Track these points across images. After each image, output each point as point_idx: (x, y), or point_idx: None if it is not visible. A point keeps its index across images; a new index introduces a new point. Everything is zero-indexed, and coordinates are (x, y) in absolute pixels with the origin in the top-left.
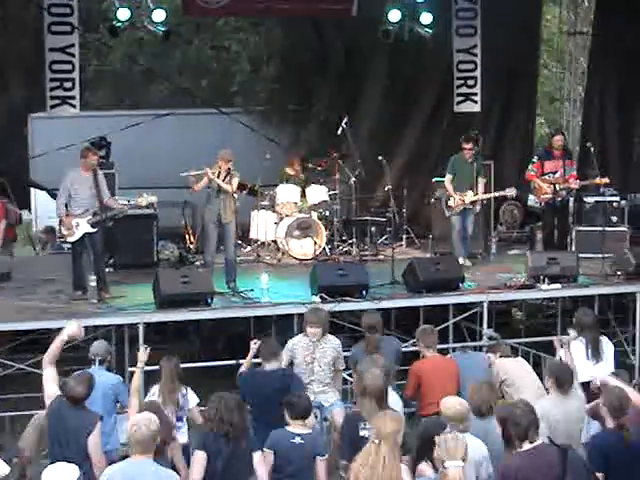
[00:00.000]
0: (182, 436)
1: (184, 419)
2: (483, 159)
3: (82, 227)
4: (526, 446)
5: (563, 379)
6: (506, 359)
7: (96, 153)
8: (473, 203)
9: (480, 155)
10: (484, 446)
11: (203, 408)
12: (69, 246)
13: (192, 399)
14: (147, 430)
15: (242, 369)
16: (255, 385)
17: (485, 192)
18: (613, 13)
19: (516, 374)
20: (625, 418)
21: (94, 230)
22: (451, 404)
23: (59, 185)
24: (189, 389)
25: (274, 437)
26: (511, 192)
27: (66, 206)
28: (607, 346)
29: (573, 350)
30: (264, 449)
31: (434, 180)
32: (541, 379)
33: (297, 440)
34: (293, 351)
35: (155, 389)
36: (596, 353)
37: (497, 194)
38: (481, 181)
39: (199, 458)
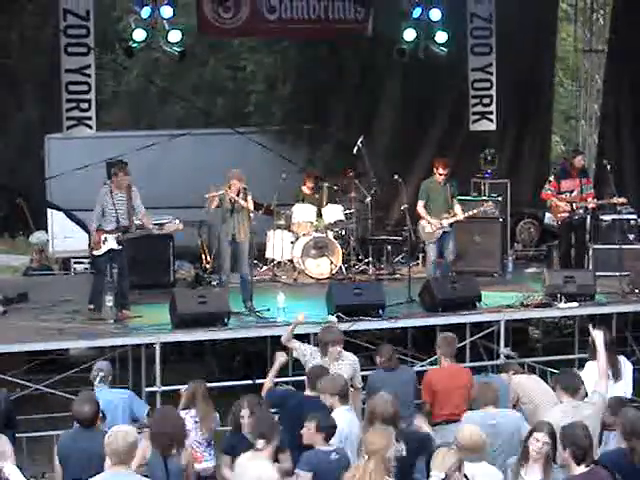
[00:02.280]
0: (211, 461)
1: (212, 443)
2: (453, 181)
3: (109, 243)
4: (582, 469)
5: (568, 383)
6: (521, 376)
7: (127, 172)
8: (451, 225)
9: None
10: (500, 474)
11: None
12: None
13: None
14: (123, 441)
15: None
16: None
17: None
18: (628, 31)
19: (534, 392)
20: (636, 441)
21: (119, 247)
22: (466, 433)
23: (76, 205)
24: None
25: (312, 459)
26: (489, 207)
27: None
28: (625, 365)
29: (591, 370)
30: (300, 471)
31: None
32: None
33: (334, 456)
34: (311, 356)
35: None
36: (615, 372)
37: (471, 212)
38: (456, 202)
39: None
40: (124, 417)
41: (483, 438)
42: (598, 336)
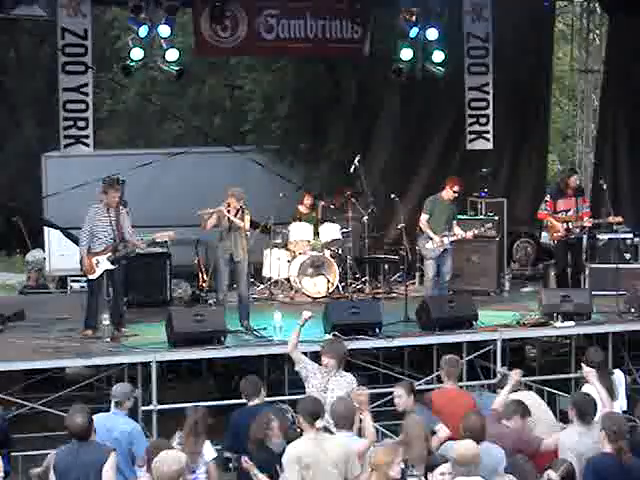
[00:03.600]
0: None
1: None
2: (457, 203)
3: (102, 265)
4: None
5: (585, 410)
6: (519, 393)
7: (117, 190)
8: (452, 243)
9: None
10: None
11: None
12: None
13: (208, 453)
14: (169, 469)
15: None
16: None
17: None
18: (624, 51)
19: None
20: (623, 442)
21: (114, 267)
22: (457, 447)
23: (73, 223)
24: (207, 442)
25: None
26: (489, 228)
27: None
28: (619, 380)
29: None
30: None
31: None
32: (555, 416)
33: None
34: (313, 372)
35: (178, 436)
36: (609, 392)
37: (475, 232)
38: (455, 223)
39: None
40: (116, 446)
41: (476, 452)
42: (591, 375)
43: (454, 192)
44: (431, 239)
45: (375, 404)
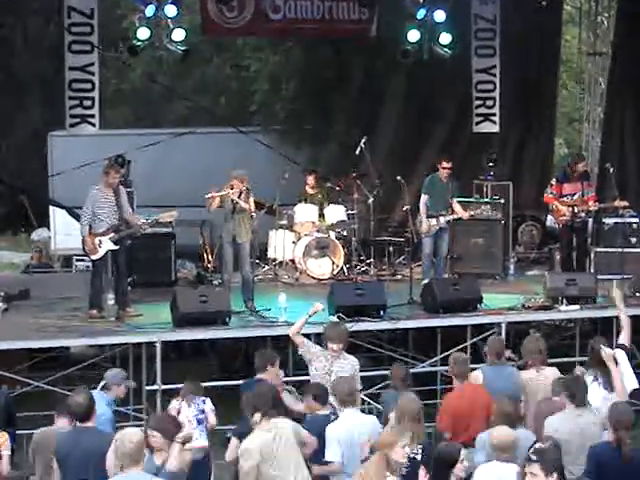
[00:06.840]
0: (202, 439)
1: (204, 423)
2: (455, 181)
3: (105, 245)
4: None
5: (575, 391)
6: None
7: (118, 171)
8: (448, 222)
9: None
10: None
11: None
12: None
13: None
14: (130, 443)
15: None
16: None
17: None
18: (632, 34)
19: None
20: (624, 432)
21: (117, 247)
22: (497, 433)
23: (79, 203)
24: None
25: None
26: (485, 210)
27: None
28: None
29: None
30: None
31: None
32: None
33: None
34: (316, 356)
35: (174, 403)
36: (608, 384)
37: (472, 212)
38: (455, 201)
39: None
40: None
41: (513, 439)
42: (609, 358)
43: (444, 168)
44: (425, 221)
45: (379, 385)
